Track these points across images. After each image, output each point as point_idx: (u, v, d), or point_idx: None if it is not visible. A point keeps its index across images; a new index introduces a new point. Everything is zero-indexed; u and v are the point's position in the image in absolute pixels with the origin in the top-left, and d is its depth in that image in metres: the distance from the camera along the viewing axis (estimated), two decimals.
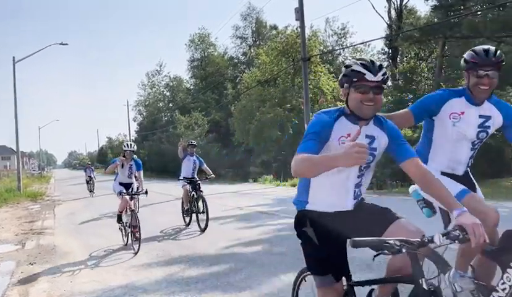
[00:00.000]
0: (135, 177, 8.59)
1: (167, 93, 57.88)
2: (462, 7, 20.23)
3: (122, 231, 8.27)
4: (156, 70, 58.32)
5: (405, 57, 31.82)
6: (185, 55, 74.93)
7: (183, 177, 10.02)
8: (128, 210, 7.94)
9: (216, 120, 41.66)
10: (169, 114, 55.27)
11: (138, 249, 7.43)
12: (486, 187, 14.06)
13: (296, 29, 29.16)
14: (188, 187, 9.90)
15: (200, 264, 6.53)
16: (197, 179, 10.06)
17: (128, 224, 7.91)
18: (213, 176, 10.21)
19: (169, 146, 44.77)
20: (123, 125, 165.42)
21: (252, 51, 45.24)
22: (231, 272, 5.95)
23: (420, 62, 28.27)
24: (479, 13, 19.30)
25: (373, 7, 39.39)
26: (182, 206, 10.17)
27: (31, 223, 12.54)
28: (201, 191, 9.72)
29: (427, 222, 3.31)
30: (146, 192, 7.93)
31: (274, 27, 45.87)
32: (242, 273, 5.83)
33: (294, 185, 21.55)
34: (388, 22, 31.86)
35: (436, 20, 20.63)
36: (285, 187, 22.00)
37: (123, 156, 8.27)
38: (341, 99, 33.33)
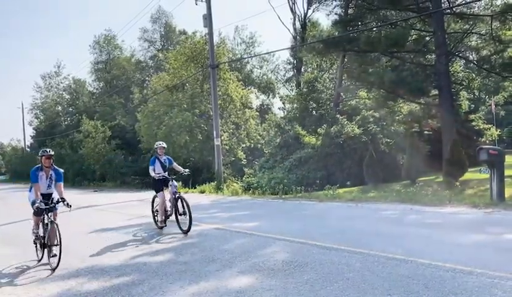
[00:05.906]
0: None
1: (67, 96, 54.50)
2: (360, 23, 21.69)
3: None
4: (54, 72, 54.62)
5: (309, 67, 33.30)
6: (88, 57, 70.96)
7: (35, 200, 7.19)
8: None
9: (122, 126, 39.89)
10: (69, 119, 52.06)
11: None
12: (379, 191, 15.17)
13: (205, 36, 29.15)
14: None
15: (101, 277, 6.22)
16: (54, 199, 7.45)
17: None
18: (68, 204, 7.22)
19: (71, 153, 42.07)
20: (17, 129, 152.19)
21: (161, 55, 44.31)
22: (133, 284, 5.73)
23: (323, 72, 29.74)
24: (374, 29, 20.86)
25: (279, 18, 41.11)
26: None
27: None
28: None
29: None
30: None
31: (184, 32, 45.48)
32: (144, 284, 5.65)
33: (202, 192, 21.45)
34: (293, 34, 33.21)
35: (336, 33, 21.83)
36: (193, 193, 21.66)
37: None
38: (249, 107, 34.11)
